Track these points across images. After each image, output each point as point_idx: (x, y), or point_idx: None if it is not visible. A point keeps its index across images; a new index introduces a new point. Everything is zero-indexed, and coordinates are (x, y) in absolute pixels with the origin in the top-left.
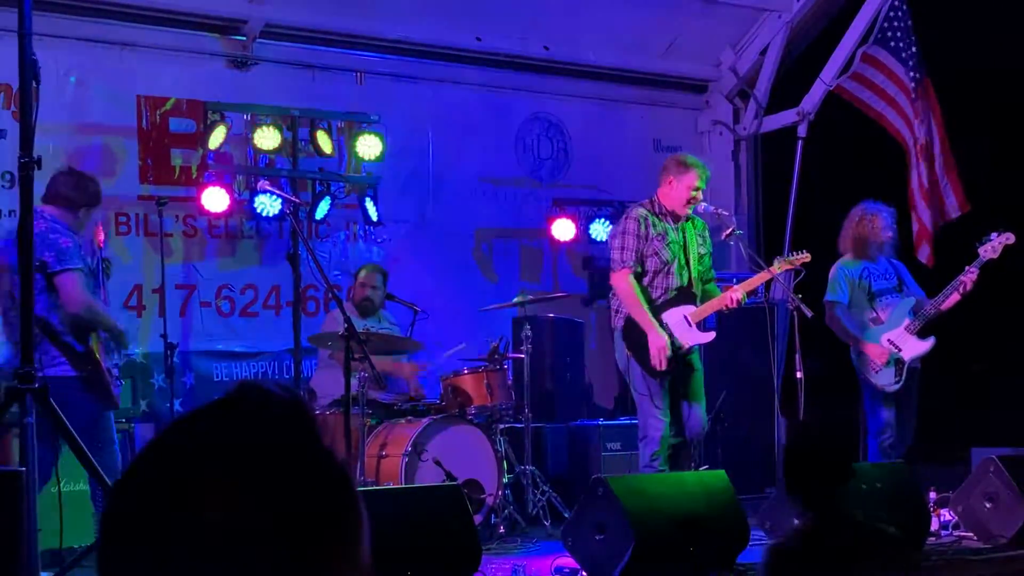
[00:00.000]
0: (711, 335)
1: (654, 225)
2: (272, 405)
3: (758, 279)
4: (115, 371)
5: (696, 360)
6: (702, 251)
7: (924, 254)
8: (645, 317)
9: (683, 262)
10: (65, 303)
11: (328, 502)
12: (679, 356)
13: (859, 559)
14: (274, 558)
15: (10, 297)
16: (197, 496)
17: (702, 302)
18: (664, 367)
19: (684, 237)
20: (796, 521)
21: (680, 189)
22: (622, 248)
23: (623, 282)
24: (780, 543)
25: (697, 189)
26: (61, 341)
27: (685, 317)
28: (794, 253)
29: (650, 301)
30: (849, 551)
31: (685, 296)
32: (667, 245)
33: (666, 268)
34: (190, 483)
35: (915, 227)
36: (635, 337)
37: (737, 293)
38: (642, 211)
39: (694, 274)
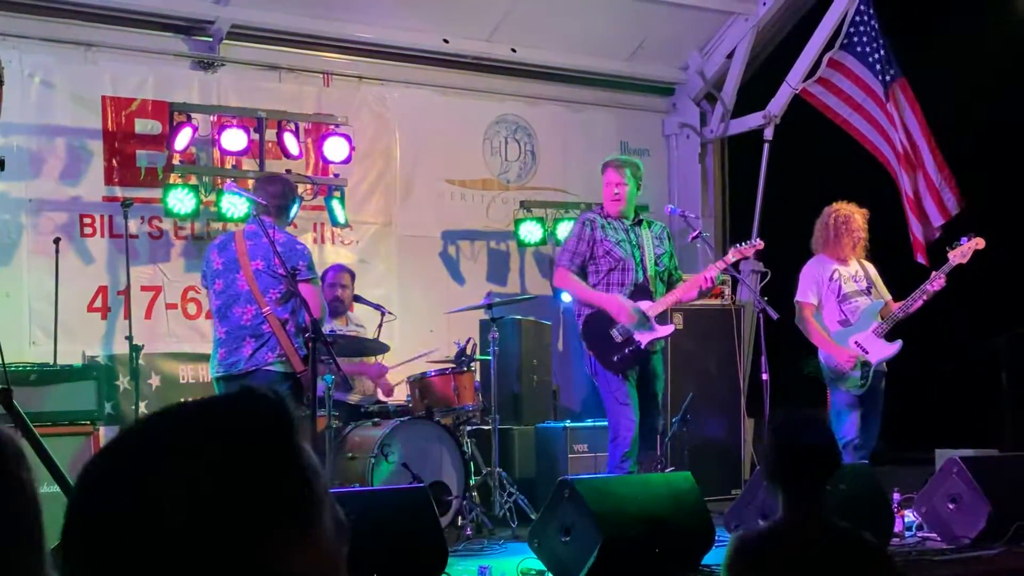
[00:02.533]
0: (670, 328)
1: (603, 228)
2: (248, 402)
3: (715, 268)
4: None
5: (659, 365)
6: (659, 251)
7: (922, 259)
8: (594, 294)
9: (638, 260)
10: (312, 308)
11: (277, 489)
12: (642, 354)
13: (834, 562)
14: (227, 544)
15: (226, 295)
16: (147, 487)
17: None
18: (634, 319)
19: (639, 239)
20: (761, 520)
21: (605, 190)
22: (564, 250)
23: (562, 278)
24: (749, 534)
25: (618, 184)
26: (291, 342)
27: (644, 312)
28: (745, 243)
29: None
30: (825, 552)
31: (642, 292)
32: (617, 244)
33: (621, 265)
34: (141, 476)
35: (911, 238)
36: (595, 336)
37: (702, 280)
38: (591, 215)
39: (650, 272)
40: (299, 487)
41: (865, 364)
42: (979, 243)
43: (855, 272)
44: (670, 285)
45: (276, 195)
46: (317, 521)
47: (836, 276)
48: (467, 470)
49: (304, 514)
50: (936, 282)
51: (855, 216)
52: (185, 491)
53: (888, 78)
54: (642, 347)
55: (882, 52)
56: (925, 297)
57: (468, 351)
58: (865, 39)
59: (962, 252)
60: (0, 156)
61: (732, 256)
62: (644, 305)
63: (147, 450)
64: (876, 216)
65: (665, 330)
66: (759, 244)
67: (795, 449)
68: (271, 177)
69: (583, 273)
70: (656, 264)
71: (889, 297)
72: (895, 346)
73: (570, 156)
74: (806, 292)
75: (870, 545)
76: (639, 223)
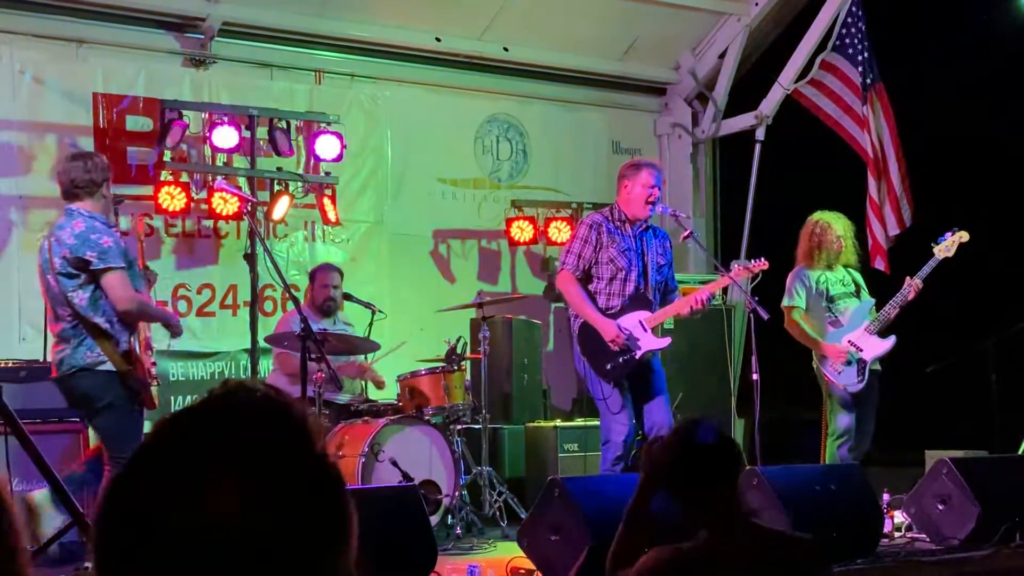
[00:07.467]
0: (666, 341)
1: (609, 233)
2: (266, 406)
3: (717, 284)
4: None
5: (654, 362)
6: (661, 261)
7: (880, 265)
8: (591, 312)
9: (641, 270)
10: (115, 300)
11: (327, 503)
12: (635, 363)
13: (760, 565)
14: (273, 557)
15: (49, 296)
16: (198, 494)
17: (659, 309)
18: (620, 347)
19: (643, 246)
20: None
21: (637, 190)
22: (569, 251)
23: (565, 282)
24: (661, 558)
25: (653, 187)
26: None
27: (640, 322)
28: (752, 260)
29: (606, 307)
30: (749, 556)
31: (641, 302)
32: (622, 253)
33: (622, 275)
34: (191, 481)
35: (869, 241)
36: (589, 341)
37: (703, 293)
38: (597, 218)
39: (651, 282)
40: (337, 499)
41: (860, 361)
42: (963, 236)
43: (842, 276)
44: (665, 295)
45: (80, 171)
46: (351, 538)
47: (823, 280)
48: (457, 469)
49: (340, 530)
50: (911, 291)
51: (834, 225)
52: (225, 497)
53: (868, 81)
54: (636, 358)
55: (867, 54)
56: (902, 304)
57: (458, 350)
58: (855, 40)
59: (946, 246)
60: None
61: (736, 273)
62: (643, 315)
63: (184, 454)
64: (862, 219)
65: (661, 342)
66: (764, 264)
67: (688, 451)
68: (74, 154)
69: (587, 277)
70: (658, 273)
71: (872, 303)
72: (889, 342)
73: (562, 155)
74: (792, 296)
75: (796, 541)
76: (646, 230)
